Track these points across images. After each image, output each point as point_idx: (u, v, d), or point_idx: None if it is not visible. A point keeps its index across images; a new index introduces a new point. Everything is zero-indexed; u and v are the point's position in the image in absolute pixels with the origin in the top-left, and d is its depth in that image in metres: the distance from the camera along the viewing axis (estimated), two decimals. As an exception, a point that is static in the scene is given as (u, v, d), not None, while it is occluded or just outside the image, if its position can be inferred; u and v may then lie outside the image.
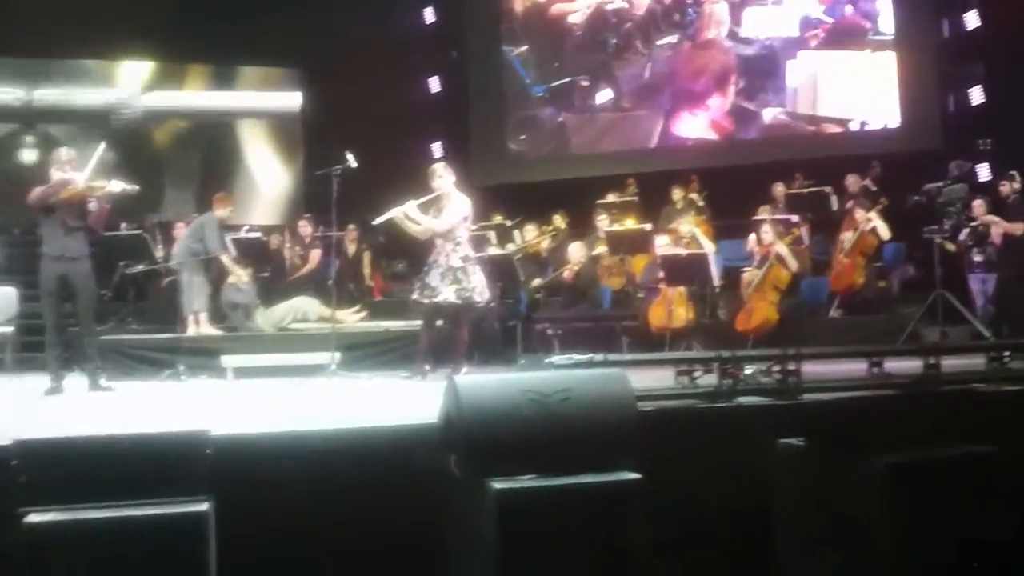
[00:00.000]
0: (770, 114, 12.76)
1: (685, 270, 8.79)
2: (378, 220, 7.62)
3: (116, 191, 7.21)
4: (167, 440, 3.73)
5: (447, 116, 14.06)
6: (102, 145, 7.54)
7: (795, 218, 10.07)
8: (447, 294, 7.25)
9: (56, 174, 7.10)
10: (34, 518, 3.41)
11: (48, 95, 13.39)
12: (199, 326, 8.99)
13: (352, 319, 9.03)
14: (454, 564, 4.12)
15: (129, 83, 13.71)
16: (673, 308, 8.83)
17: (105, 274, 9.42)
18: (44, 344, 7.38)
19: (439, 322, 7.59)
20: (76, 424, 5.49)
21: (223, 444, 3.92)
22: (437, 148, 13.69)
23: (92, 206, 7.18)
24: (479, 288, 7.34)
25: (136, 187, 7.44)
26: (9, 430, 4.79)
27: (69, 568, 3.42)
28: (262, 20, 12.92)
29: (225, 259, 9.20)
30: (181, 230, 10.34)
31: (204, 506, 3.54)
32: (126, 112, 13.62)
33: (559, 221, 11.35)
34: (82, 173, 7.11)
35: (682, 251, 9.18)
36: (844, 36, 12.44)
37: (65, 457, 3.59)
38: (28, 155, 13.45)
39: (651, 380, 5.49)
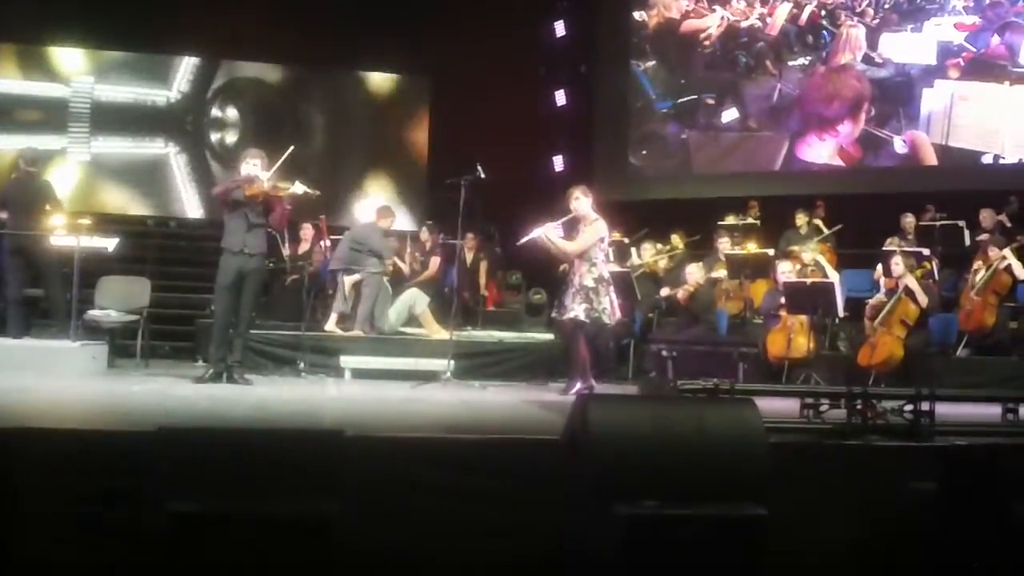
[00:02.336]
0: (901, 143, 12.42)
1: (809, 299, 8.59)
2: (522, 241, 7.70)
3: (299, 193, 7.36)
4: (304, 437, 3.84)
5: (571, 129, 14.09)
6: (291, 148, 7.70)
7: (926, 251, 9.76)
8: (578, 312, 7.32)
9: (244, 170, 7.32)
10: (175, 505, 3.53)
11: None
12: (329, 324, 9.30)
13: (443, 332, 9.06)
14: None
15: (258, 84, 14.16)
16: (793, 337, 8.64)
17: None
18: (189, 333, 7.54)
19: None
20: (212, 415, 5.67)
21: (352, 444, 4.00)
22: (559, 161, 13.72)
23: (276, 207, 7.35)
24: (608, 310, 7.41)
25: (317, 191, 7.61)
26: (149, 417, 5.01)
27: (206, 555, 3.54)
28: (393, 28, 13.17)
29: (395, 260, 9.60)
30: (307, 231, 10.61)
31: (336, 505, 3.62)
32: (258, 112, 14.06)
33: (678, 241, 11.26)
34: (267, 172, 7.31)
35: (806, 279, 8.97)
36: (985, 67, 12.02)
37: (206, 448, 3.69)
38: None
39: (772, 411, 5.40)
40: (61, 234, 8.46)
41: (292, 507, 3.57)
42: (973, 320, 9.10)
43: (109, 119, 13.53)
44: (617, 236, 11.25)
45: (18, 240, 8.49)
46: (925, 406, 4.86)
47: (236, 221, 7.24)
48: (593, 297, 7.32)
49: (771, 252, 10.26)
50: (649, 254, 10.89)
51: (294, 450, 3.73)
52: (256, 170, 7.26)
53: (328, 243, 10.54)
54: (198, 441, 3.75)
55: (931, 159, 12.17)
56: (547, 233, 7.47)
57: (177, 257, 12.37)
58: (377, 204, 10.82)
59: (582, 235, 7.47)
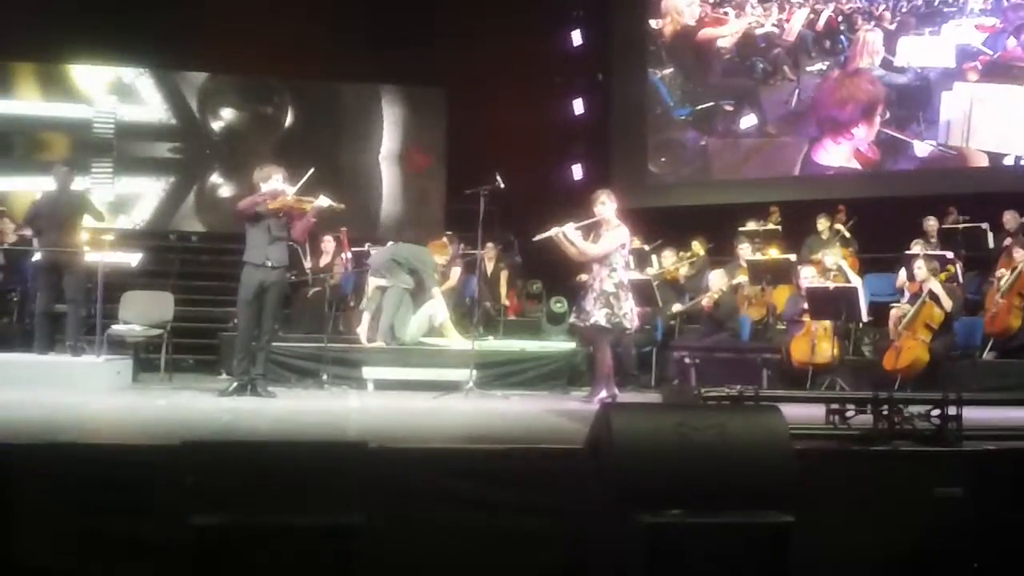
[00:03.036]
0: (921, 146, 12.35)
1: (832, 304, 8.54)
2: (538, 237, 7.71)
3: (323, 206, 7.37)
4: (327, 449, 3.84)
5: (589, 138, 14.08)
6: (311, 170, 7.67)
7: (950, 254, 9.69)
8: (598, 317, 7.34)
9: (263, 186, 7.31)
10: (198, 519, 3.54)
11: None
12: (360, 327, 9.32)
13: (464, 342, 9.03)
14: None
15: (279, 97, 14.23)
16: (817, 343, 8.59)
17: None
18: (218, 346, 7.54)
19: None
20: (235, 428, 5.69)
21: (375, 455, 4.00)
22: (578, 170, 13.69)
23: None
24: (629, 315, 7.44)
25: (342, 205, 7.61)
26: (173, 431, 5.03)
27: (229, 568, 3.54)
28: (408, 40, 13.21)
29: (436, 292, 9.50)
30: (327, 243, 10.64)
31: (359, 517, 3.61)
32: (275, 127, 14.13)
33: (698, 247, 11.21)
34: (292, 188, 7.32)
35: (829, 284, 8.92)
36: (1002, 69, 11.94)
37: (229, 461, 3.70)
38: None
39: (797, 417, 5.36)
40: (91, 250, 8.47)
41: (316, 519, 3.57)
42: (998, 323, 9.02)
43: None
44: (637, 243, 11.25)
45: (52, 256, 8.44)
46: (952, 411, 4.81)
47: (258, 234, 7.25)
48: (614, 303, 7.33)
49: (792, 257, 10.21)
50: (669, 261, 10.86)
51: (317, 462, 3.73)
52: (279, 184, 7.29)
53: (350, 255, 10.57)
54: (222, 454, 3.76)
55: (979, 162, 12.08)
56: (565, 231, 7.47)
57: (200, 271, 12.44)
58: (429, 231, 10.72)
59: (604, 239, 7.48)
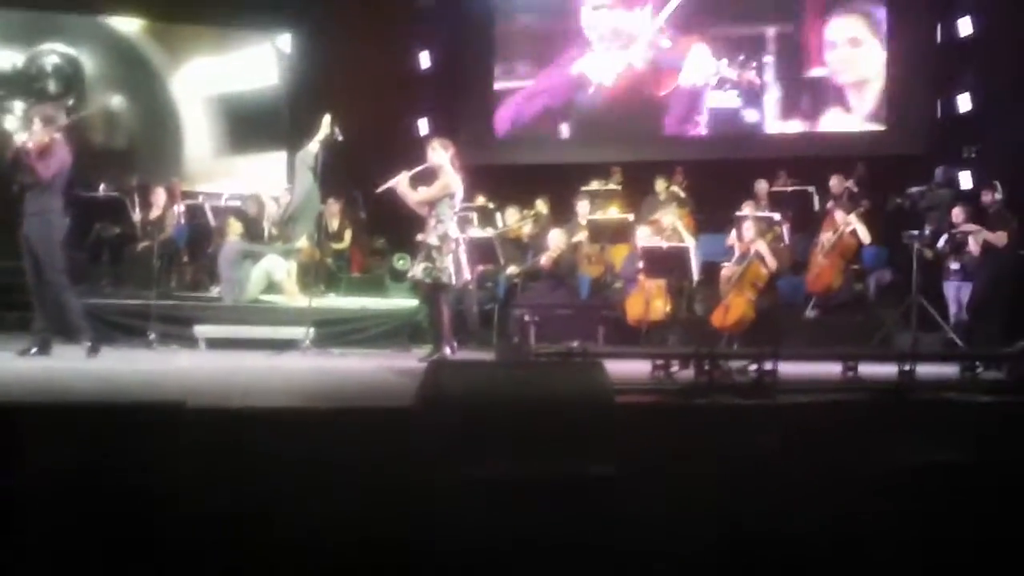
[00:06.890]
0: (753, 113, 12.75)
1: (665, 263, 8.77)
2: (380, 188, 7.58)
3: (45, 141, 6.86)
4: (140, 410, 3.69)
5: (436, 92, 13.92)
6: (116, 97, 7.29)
7: (777, 216, 10.07)
8: (416, 271, 7.24)
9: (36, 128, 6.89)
10: None
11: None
12: None
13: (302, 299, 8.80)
14: (424, 546, 4.09)
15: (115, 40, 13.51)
16: (651, 300, 8.81)
17: (81, 235, 9.33)
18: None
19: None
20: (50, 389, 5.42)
21: (200, 417, 3.88)
22: (424, 124, 13.55)
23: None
24: (450, 270, 7.29)
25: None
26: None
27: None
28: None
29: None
30: (159, 195, 10.20)
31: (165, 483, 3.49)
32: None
33: (541, 206, 11.29)
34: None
35: (663, 243, 9.15)
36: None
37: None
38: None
39: (627, 372, 5.49)
40: None
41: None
42: (821, 282, 9.47)
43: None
44: (481, 201, 11.26)
45: None
46: (768, 365, 5.00)
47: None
48: (435, 256, 7.20)
49: (631, 217, 10.40)
50: (513, 219, 10.91)
51: (129, 423, 3.58)
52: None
53: (182, 208, 10.18)
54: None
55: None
56: (399, 181, 7.36)
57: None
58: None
59: (431, 187, 7.38)
